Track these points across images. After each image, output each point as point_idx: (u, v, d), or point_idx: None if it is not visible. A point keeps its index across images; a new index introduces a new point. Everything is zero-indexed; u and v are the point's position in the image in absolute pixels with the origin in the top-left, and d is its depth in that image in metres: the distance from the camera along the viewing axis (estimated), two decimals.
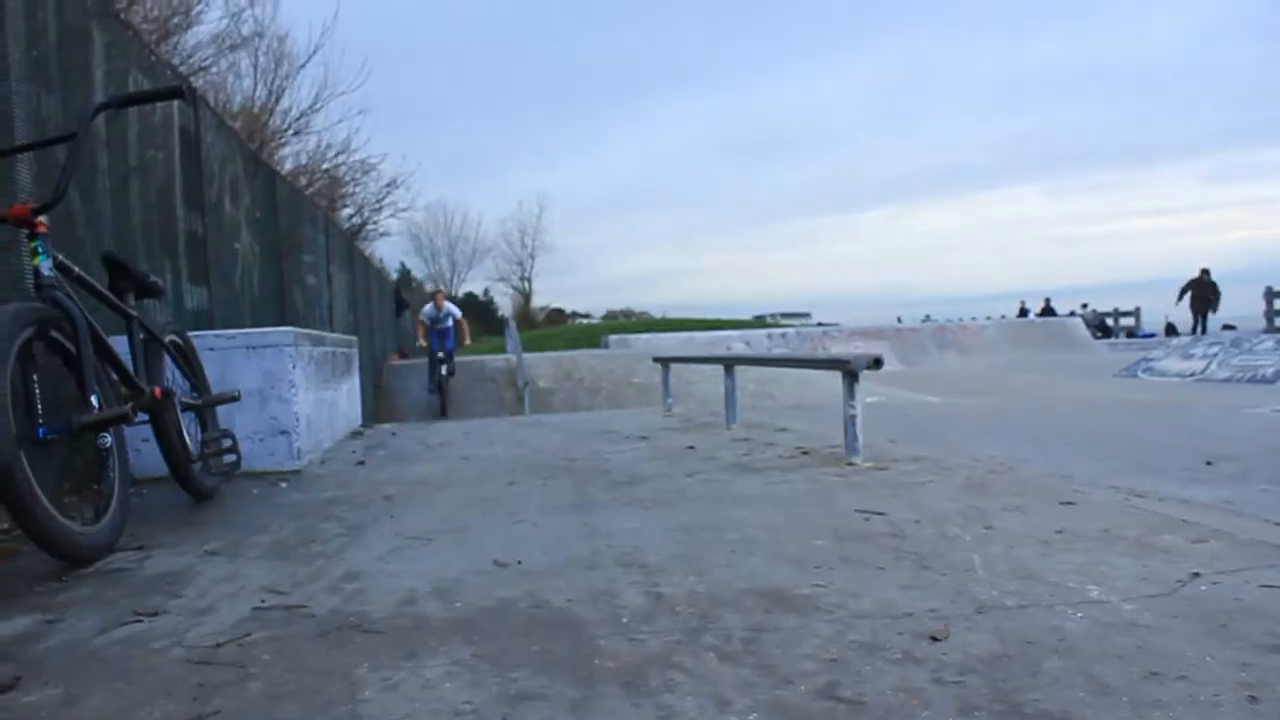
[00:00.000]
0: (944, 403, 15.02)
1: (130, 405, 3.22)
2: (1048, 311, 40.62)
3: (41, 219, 3.06)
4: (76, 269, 3.27)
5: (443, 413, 15.36)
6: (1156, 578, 2.25)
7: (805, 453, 4.68)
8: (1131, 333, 39.61)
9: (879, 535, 2.81)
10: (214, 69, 12.26)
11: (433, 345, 16.76)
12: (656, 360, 8.31)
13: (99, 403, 3.02)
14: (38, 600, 2.45)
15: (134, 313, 3.68)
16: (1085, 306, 41.77)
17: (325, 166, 16.74)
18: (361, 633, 2.06)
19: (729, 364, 6.17)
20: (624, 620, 2.07)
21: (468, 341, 18.86)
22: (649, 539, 2.88)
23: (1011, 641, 1.84)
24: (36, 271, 3.05)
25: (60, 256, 3.16)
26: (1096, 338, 35.33)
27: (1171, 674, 1.66)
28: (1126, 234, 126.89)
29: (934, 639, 1.87)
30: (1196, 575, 2.26)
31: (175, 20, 10.29)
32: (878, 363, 4.09)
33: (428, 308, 17.12)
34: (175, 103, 6.16)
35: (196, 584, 2.57)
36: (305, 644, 2.01)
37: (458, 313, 17.08)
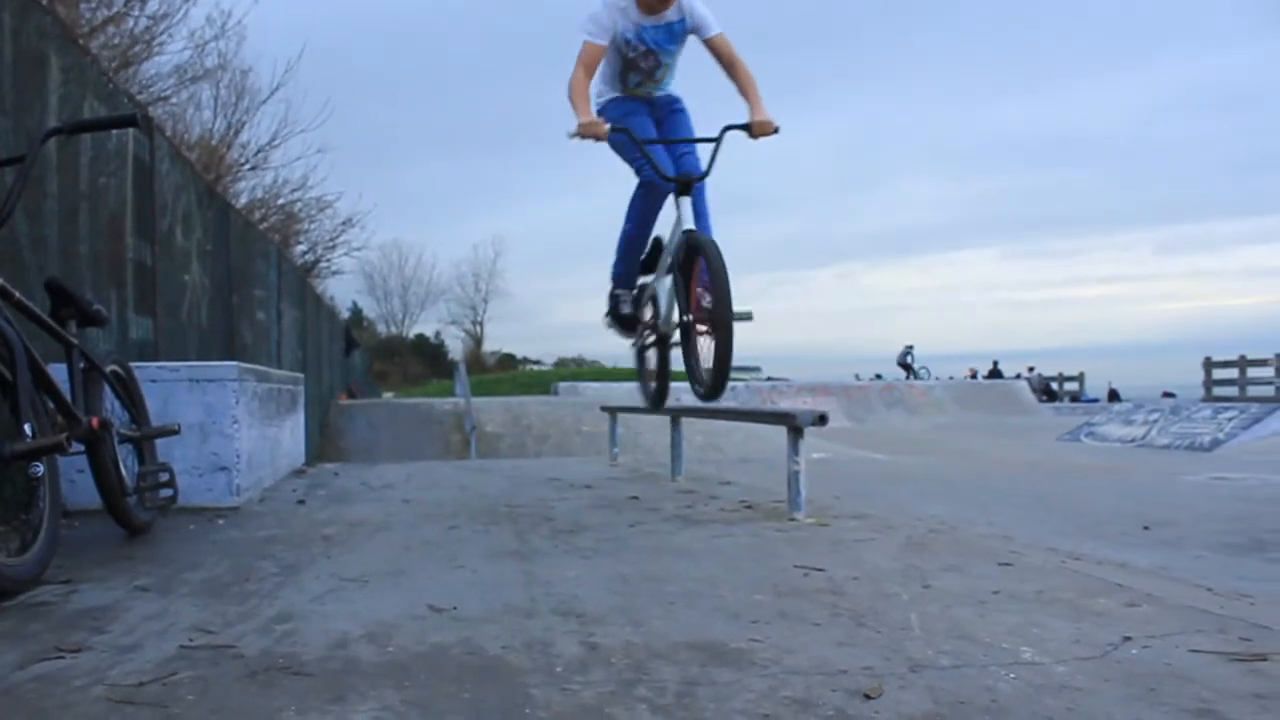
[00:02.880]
0: (890, 461, 15.14)
1: (65, 435, 3.16)
2: (995, 374, 41.22)
3: None
4: (17, 294, 3.22)
5: (657, 402, 5.89)
6: (1089, 640, 2.27)
7: (749, 506, 4.68)
8: (1076, 397, 40.28)
9: (817, 591, 2.81)
10: (174, 99, 12.20)
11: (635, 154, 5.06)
12: (604, 409, 8.30)
13: (33, 431, 2.96)
14: None
15: (75, 341, 3.63)
16: (1032, 370, 42.45)
17: (281, 202, 16.64)
18: (290, 675, 2.03)
19: (676, 415, 6.18)
20: (558, 670, 2.05)
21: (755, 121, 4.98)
22: (588, 588, 2.87)
23: (944, 701, 1.85)
24: None
25: (0, 280, 3.11)
26: (1042, 401, 35.88)
27: None
28: (1076, 300, 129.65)
29: (867, 697, 1.87)
30: (1128, 639, 2.28)
31: (136, 49, 10.23)
32: (823, 419, 4.11)
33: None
34: (130, 131, 6.12)
35: (123, 620, 2.51)
36: (232, 685, 1.97)
37: (712, 25, 5.07)
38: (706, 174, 4.95)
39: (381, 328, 71.05)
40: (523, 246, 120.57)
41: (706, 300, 4.72)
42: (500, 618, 2.51)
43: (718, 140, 4.93)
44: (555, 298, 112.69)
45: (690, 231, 4.77)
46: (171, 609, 2.65)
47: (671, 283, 5.06)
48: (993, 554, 3.44)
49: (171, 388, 4.80)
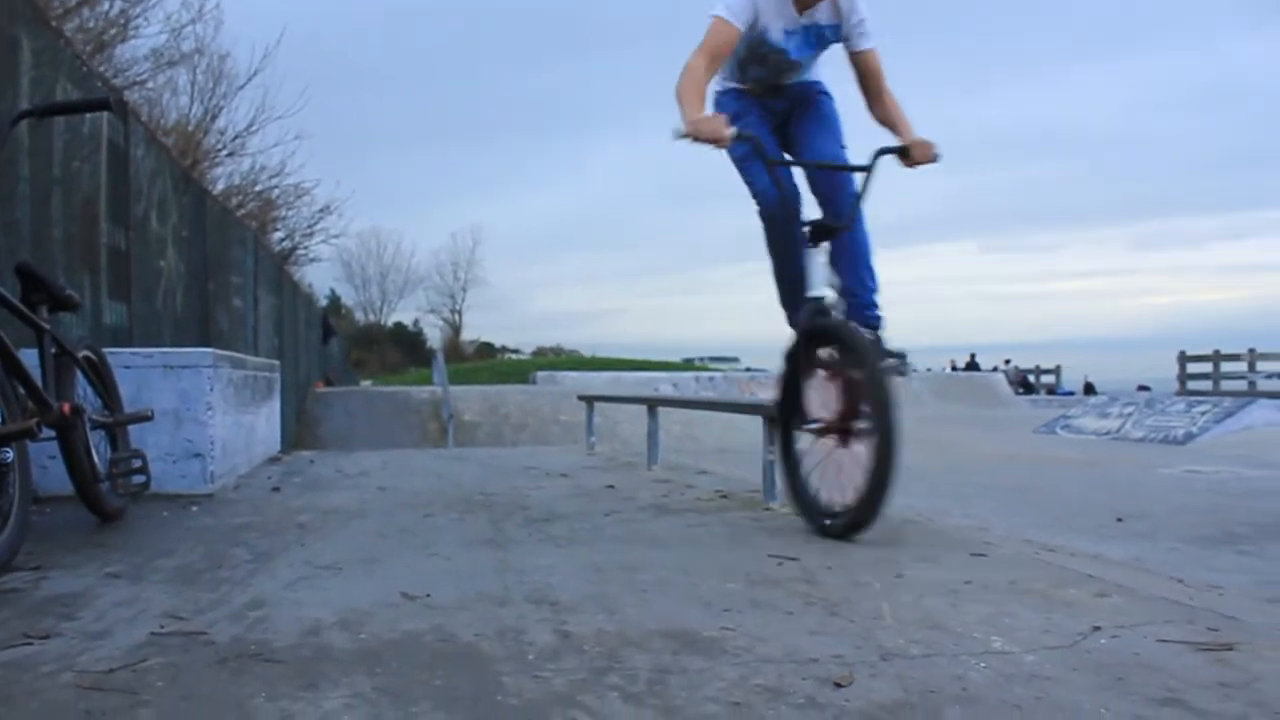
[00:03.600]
0: None
1: (36, 420, 3.14)
2: (972, 366, 41.43)
3: None
4: None
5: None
6: (1059, 630, 2.28)
7: (724, 496, 4.70)
8: (1052, 390, 40.49)
9: (790, 580, 2.82)
10: (150, 84, 12.08)
11: (769, 180, 3.94)
12: (581, 398, 8.31)
13: (2, 416, 2.93)
14: None
15: (46, 326, 3.60)
16: (1008, 362, 42.66)
17: (259, 189, 16.53)
18: (262, 662, 2.02)
19: (652, 405, 6.19)
20: (530, 658, 2.05)
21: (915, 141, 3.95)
22: (562, 576, 2.87)
23: (914, 690, 1.86)
24: None
25: None
26: (1019, 394, 36.08)
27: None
28: (1053, 294, 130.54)
29: (838, 685, 1.88)
30: (1097, 629, 2.29)
31: (111, 32, 10.13)
32: None
33: None
34: (105, 115, 6.06)
35: (94, 607, 2.50)
36: (202, 672, 1.96)
37: (870, 35, 3.99)
38: (850, 224, 3.87)
39: (360, 315, 70.85)
40: (502, 235, 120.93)
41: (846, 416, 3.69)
42: (473, 605, 2.50)
43: (869, 169, 3.86)
44: (534, 287, 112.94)
45: (849, 329, 3.69)
46: (143, 596, 2.63)
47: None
48: (966, 544, 3.46)
49: (145, 374, 4.77)
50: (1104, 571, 3.13)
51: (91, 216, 5.95)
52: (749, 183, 3.97)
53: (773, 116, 4.15)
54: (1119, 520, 6.55)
